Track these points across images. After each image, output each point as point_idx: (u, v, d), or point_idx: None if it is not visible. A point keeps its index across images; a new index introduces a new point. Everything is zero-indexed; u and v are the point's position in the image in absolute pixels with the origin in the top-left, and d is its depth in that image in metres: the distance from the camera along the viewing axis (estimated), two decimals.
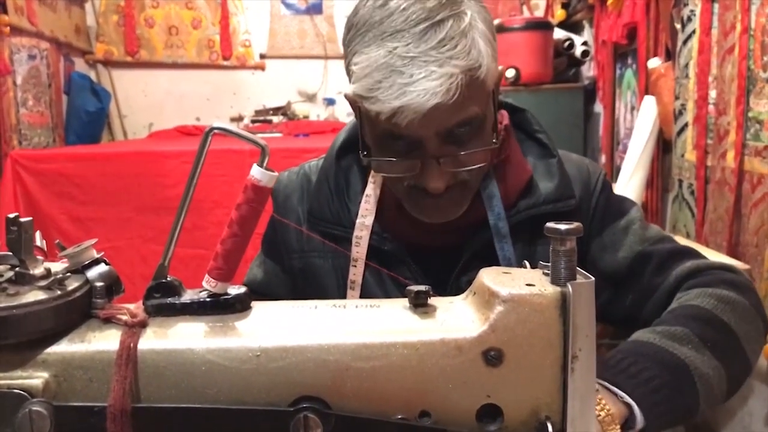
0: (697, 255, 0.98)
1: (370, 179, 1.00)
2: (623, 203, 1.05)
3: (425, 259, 0.98)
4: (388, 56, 0.81)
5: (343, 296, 0.99)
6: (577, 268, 0.56)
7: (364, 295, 0.97)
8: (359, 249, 0.98)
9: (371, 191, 1.00)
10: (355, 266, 0.98)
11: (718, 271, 0.94)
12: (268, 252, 1.10)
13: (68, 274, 0.56)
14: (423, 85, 0.79)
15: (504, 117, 1.03)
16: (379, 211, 0.99)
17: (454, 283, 0.96)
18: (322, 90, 5.10)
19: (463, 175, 0.89)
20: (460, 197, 0.92)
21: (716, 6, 2.28)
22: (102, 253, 0.59)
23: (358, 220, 0.99)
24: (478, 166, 0.89)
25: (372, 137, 0.91)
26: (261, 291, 1.07)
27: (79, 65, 4.76)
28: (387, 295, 0.97)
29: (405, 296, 0.93)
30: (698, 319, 0.84)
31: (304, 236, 1.04)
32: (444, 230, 0.96)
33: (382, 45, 0.82)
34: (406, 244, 0.98)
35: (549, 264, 0.57)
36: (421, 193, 0.90)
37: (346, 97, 0.96)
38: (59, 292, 0.54)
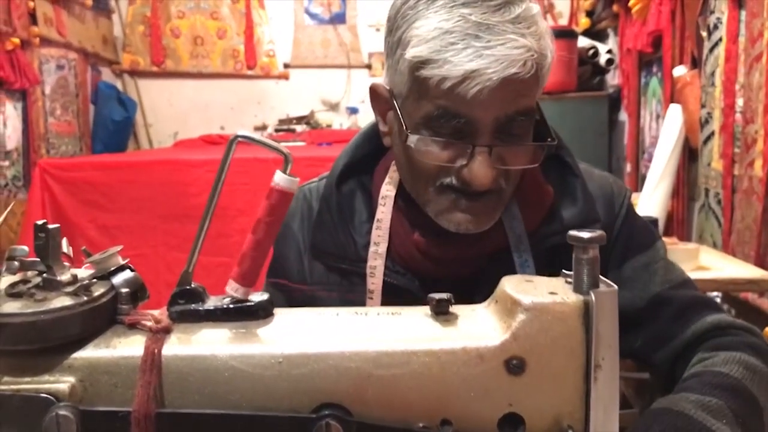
0: (717, 308, 0.93)
1: (380, 201, 0.93)
2: (647, 234, 0.98)
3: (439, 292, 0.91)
4: (461, 20, 0.75)
5: None
6: (600, 276, 0.56)
7: None
8: (374, 280, 0.90)
9: (382, 216, 0.92)
10: (372, 298, 0.90)
11: (740, 332, 0.89)
12: (273, 285, 1.01)
13: (94, 280, 0.57)
14: (502, 51, 0.74)
15: None
16: (389, 241, 0.92)
17: None
18: (345, 99, 5.13)
19: (501, 182, 0.83)
20: (494, 207, 0.85)
21: (743, 13, 2.26)
22: (127, 260, 0.60)
23: (371, 249, 0.91)
24: (523, 167, 0.84)
25: (418, 119, 0.81)
26: None
27: (106, 75, 4.85)
28: None
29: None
30: (729, 390, 0.78)
31: (306, 267, 0.97)
32: (459, 260, 0.90)
33: (453, 11, 0.76)
34: (419, 278, 0.90)
35: (571, 272, 0.57)
36: (456, 194, 0.83)
37: (375, 88, 0.90)
38: (85, 298, 0.54)
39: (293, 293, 0.98)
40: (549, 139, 0.85)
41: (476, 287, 0.84)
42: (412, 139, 0.82)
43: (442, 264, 0.90)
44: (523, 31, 0.77)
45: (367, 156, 0.99)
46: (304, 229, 0.99)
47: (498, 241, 0.89)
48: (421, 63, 0.77)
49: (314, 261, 0.96)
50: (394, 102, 0.85)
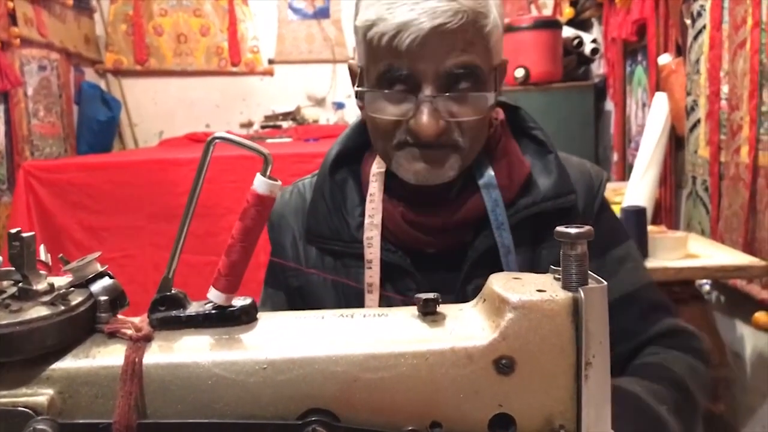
0: (673, 312, 1.03)
1: (371, 179, 0.99)
2: (620, 226, 1.07)
3: (429, 267, 0.97)
4: None
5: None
6: (589, 272, 0.55)
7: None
8: (372, 249, 0.96)
9: (374, 190, 0.98)
10: (371, 268, 0.96)
11: (689, 337, 1.00)
12: (273, 283, 1.08)
13: (72, 288, 0.55)
14: (432, 4, 0.83)
15: (499, 113, 1.02)
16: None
17: (459, 291, 0.94)
18: (331, 94, 5.10)
19: (455, 135, 0.89)
20: (448, 156, 0.91)
21: (726, 0, 2.26)
22: (106, 266, 0.58)
23: (366, 221, 0.97)
24: (471, 119, 0.89)
25: (373, 81, 0.90)
26: None
27: (89, 75, 4.79)
28: (390, 306, 0.94)
29: (408, 305, 0.95)
30: (673, 384, 0.90)
31: (302, 252, 1.03)
32: (443, 231, 0.96)
33: None
34: (410, 255, 0.96)
35: (560, 269, 0.56)
36: (411, 149, 0.90)
37: (350, 66, 0.99)
38: (63, 308, 0.53)
39: (288, 279, 1.03)
40: (495, 90, 0.92)
41: (463, 257, 0.95)
42: (367, 98, 0.91)
43: (428, 233, 0.96)
44: None
45: (357, 147, 1.05)
46: (299, 218, 1.05)
47: (477, 207, 0.95)
48: (368, 27, 0.87)
49: (309, 246, 1.02)
50: (360, 72, 0.94)
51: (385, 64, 0.87)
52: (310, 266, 1.01)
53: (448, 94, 0.87)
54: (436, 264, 0.97)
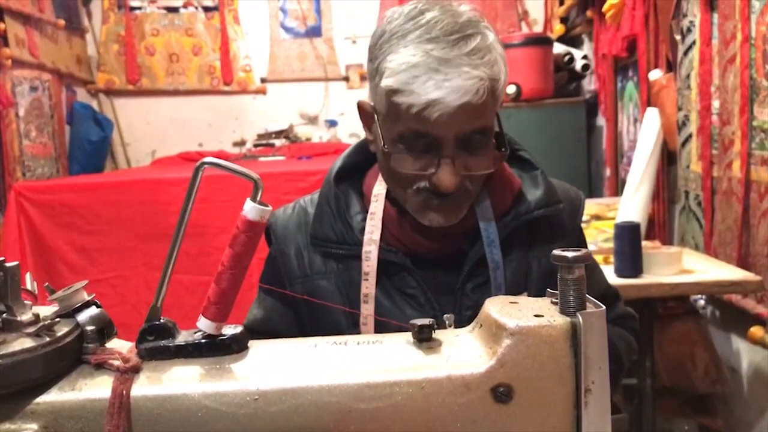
0: (621, 298, 1.24)
1: (373, 198, 1.06)
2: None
3: (429, 269, 1.05)
4: (425, 56, 0.91)
5: (349, 315, 1.03)
6: (588, 296, 0.54)
7: (375, 307, 1.02)
8: (369, 263, 1.03)
9: (375, 209, 1.05)
10: (367, 279, 1.03)
11: (632, 319, 1.22)
12: (268, 290, 1.13)
13: (57, 319, 0.54)
14: (457, 83, 0.90)
15: None
16: (382, 228, 1.05)
17: (460, 289, 1.02)
18: (323, 112, 5.10)
19: (467, 184, 0.98)
20: (461, 203, 1.00)
21: (716, 16, 2.27)
22: (93, 295, 0.57)
23: (365, 236, 1.04)
24: (483, 173, 0.99)
25: (394, 135, 0.97)
26: (262, 329, 1.09)
27: (81, 95, 4.78)
28: (396, 306, 1.02)
29: (412, 306, 1.01)
30: (612, 356, 1.08)
31: (306, 261, 1.08)
32: (443, 237, 1.04)
33: (419, 47, 0.92)
34: (411, 257, 1.04)
35: (557, 292, 0.55)
36: (428, 196, 0.98)
37: (360, 104, 1.05)
38: (48, 339, 0.52)
39: (293, 287, 1.07)
40: (503, 149, 1.02)
41: (461, 262, 1.03)
42: (391, 154, 0.98)
43: (431, 237, 1.04)
44: (477, 63, 0.92)
45: (357, 164, 1.13)
46: (302, 231, 1.10)
47: (473, 220, 1.04)
48: (393, 91, 0.93)
49: (313, 254, 1.08)
50: (376, 117, 1.00)
51: (409, 129, 0.94)
52: (315, 272, 1.07)
53: (466, 153, 0.96)
54: (436, 267, 1.05)
